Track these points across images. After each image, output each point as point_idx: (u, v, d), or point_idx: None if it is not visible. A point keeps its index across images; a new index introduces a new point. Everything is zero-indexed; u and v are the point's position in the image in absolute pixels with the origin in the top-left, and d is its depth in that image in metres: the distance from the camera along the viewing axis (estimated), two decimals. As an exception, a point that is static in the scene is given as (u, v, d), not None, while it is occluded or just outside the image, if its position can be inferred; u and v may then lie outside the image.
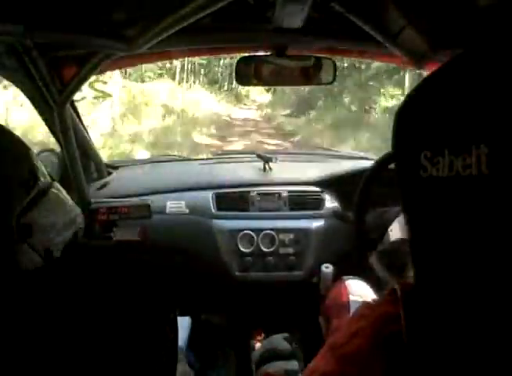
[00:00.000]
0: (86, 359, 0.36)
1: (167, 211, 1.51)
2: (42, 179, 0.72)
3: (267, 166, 1.63)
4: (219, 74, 15.73)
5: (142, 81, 10.68)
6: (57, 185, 0.75)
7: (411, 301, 0.35)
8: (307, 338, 1.44)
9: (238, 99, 16.22)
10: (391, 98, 9.28)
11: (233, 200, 1.53)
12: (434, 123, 0.31)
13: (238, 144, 8.16)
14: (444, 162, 0.29)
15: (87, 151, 1.56)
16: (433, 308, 0.32)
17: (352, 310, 1.13)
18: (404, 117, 0.35)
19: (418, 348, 0.33)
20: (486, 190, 0.26)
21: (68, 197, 0.78)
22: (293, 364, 0.85)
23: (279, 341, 0.93)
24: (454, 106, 0.29)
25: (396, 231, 1.16)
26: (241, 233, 1.45)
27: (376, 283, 1.29)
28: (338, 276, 1.39)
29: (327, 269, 1.42)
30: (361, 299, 1.16)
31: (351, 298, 1.19)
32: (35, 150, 0.81)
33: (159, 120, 8.83)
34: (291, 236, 1.46)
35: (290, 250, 1.46)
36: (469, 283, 0.29)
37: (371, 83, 10.02)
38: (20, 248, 0.69)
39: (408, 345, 0.34)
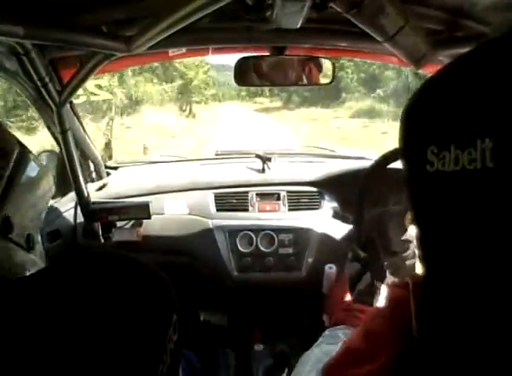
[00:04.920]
0: (86, 361, 0.36)
1: (167, 211, 1.51)
2: (15, 152, 0.65)
3: (266, 166, 1.63)
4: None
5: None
6: (27, 150, 0.70)
7: (422, 294, 0.36)
8: (305, 340, 1.43)
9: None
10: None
11: (232, 200, 1.54)
12: (440, 119, 0.31)
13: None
14: (450, 157, 0.29)
15: (86, 152, 1.56)
16: (443, 301, 0.33)
17: None
18: (411, 113, 0.35)
19: (428, 341, 0.34)
20: (491, 183, 0.27)
21: (37, 164, 0.73)
22: None
23: None
24: (459, 102, 0.30)
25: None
26: (240, 234, 1.45)
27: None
28: (338, 276, 1.39)
29: (331, 269, 1.43)
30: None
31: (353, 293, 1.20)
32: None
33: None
34: (290, 236, 1.46)
35: (290, 250, 1.46)
36: (477, 275, 0.29)
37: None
38: (4, 246, 0.65)
39: (419, 336, 0.34)
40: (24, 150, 0.69)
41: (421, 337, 0.35)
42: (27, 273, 0.69)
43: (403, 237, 1.16)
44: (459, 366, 0.31)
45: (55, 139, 1.40)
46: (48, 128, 1.40)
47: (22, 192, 0.66)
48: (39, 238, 0.80)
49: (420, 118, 0.34)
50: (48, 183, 0.78)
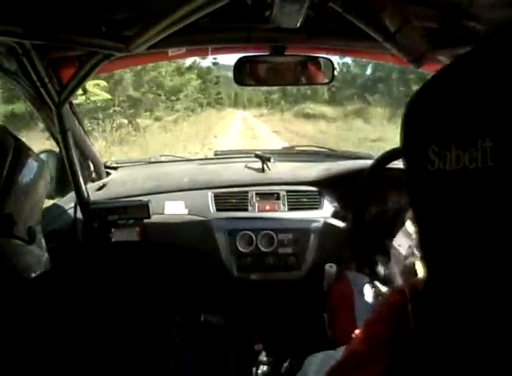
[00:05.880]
0: (93, 360, 0.36)
1: (166, 211, 1.51)
2: (10, 150, 0.66)
3: (265, 166, 1.63)
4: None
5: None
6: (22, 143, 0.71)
7: (420, 299, 0.36)
8: (305, 340, 1.44)
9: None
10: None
11: (232, 200, 1.54)
12: (442, 118, 0.31)
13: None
14: (451, 156, 0.30)
15: (85, 152, 1.56)
16: (444, 302, 0.33)
17: (356, 303, 1.15)
18: (412, 113, 0.36)
19: (426, 346, 0.34)
20: (492, 182, 0.27)
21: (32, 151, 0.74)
22: None
23: None
24: (460, 101, 0.30)
25: (404, 245, 1.17)
26: (240, 233, 1.45)
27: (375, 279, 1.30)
28: (338, 275, 1.40)
29: (331, 268, 1.43)
30: (363, 292, 1.18)
31: (355, 291, 1.21)
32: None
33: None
34: (290, 236, 1.46)
35: (289, 250, 1.46)
36: (478, 273, 0.29)
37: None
38: (7, 243, 0.65)
39: (416, 342, 0.35)
40: (22, 148, 0.70)
41: (420, 338, 0.35)
42: (30, 265, 0.71)
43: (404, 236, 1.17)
44: (458, 368, 0.31)
45: (55, 139, 1.40)
46: (48, 129, 1.40)
47: (22, 189, 0.67)
48: (39, 228, 0.81)
49: (421, 118, 0.34)
50: (46, 179, 0.80)
